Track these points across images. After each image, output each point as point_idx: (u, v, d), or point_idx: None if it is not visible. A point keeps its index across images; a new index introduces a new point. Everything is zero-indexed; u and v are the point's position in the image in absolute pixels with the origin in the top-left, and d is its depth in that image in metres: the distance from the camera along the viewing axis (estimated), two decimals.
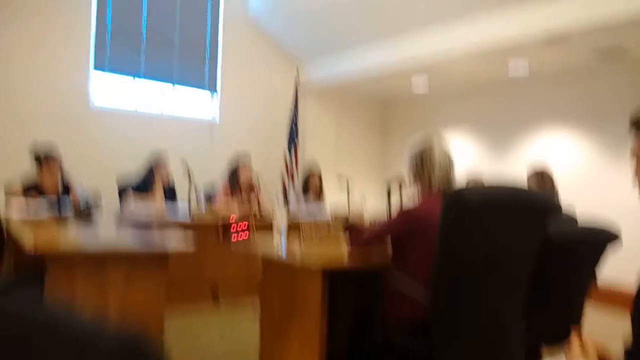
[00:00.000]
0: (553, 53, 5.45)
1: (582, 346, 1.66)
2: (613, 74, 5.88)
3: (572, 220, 2.90)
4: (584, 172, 6.03)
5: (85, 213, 4.23)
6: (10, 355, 0.41)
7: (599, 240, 2.50)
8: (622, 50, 5.26)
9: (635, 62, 5.57)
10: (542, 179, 3.64)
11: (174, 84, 7.28)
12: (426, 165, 2.60)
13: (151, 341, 0.47)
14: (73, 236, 3.07)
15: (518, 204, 2.28)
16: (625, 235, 2.52)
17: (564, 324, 2.54)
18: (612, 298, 5.17)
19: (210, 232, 4.92)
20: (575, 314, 2.58)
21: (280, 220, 3.12)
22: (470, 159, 7.03)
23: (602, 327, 2.43)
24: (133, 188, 5.34)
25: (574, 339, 1.69)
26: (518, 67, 6.21)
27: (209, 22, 7.54)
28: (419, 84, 7.50)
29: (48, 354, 0.42)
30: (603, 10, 4.46)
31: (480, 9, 5.37)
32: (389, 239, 2.68)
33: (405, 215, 2.54)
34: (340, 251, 2.88)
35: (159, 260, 2.81)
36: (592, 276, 2.61)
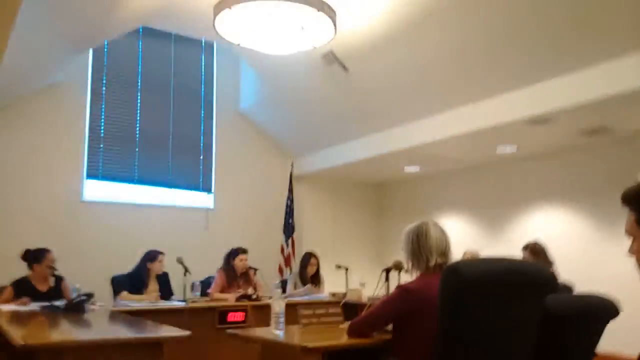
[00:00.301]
0: (540, 134, 5.60)
1: None
2: (600, 151, 6.01)
3: (569, 290, 2.87)
4: (578, 248, 6.01)
5: (76, 305, 4.15)
6: None
7: (599, 312, 2.47)
8: (606, 129, 5.41)
9: (621, 138, 5.71)
10: (535, 251, 3.63)
11: (169, 187, 7.29)
12: (422, 245, 2.62)
13: None
14: (64, 328, 3.00)
15: (516, 276, 2.28)
16: (623, 309, 2.48)
17: None
18: None
19: (206, 318, 4.81)
20: None
21: (277, 306, 3.06)
22: (465, 240, 7.01)
23: None
24: (127, 285, 5.20)
25: None
26: (506, 150, 6.35)
27: (202, 120, 7.67)
28: (412, 170, 7.65)
29: None
30: (585, 92, 4.61)
31: (465, 99, 5.56)
32: (387, 321, 2.64)
33: (402, 291, 2.52)
34: (339, 331, 2.82)
35: (152, 347, 2.72)
36: (592, 349, 2.55)
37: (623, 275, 5.11)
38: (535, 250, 3.65)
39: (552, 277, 2.34)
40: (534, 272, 2.35)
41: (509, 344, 2.23)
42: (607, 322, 2.43)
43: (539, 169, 6.69)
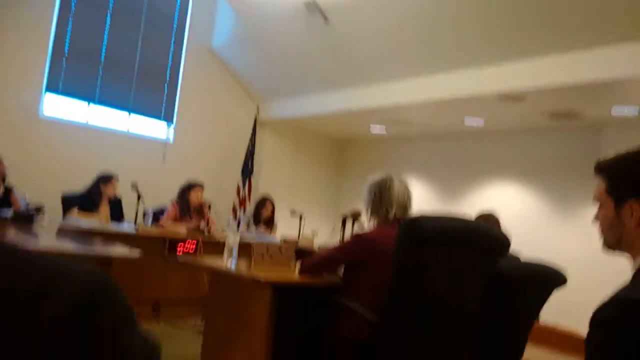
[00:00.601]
0: (508, 111, 5.68)
1: None
2: (564, 135, 6.16)
3: (517, 259, 2.96)
4: (530, 224, 6.21)
5: (25, 217, 4.06)
6: None
7: (547, 279, 2.56)
8: (573, 115, 5.53)
9: (585, 125, 5.86)
10: (488, 221, 3.71)
11: (129, 112, 7.09)
12: (384, 196, 2.62)
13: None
14: (10, 237, 2.92)
15: (474, 235, 2.32)
16: (569, 282, 2.58)
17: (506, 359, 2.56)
18: (548, 337, 5.29)
19: (156, 246, 4.78)
20: (517, 351, 2.60)
21: (232, 239, 3.06)
22: (420, 204, 7.15)
23: None
24: (78, 204, 5.11)
25: None
26: (474, 123, 6.44)
27: (171, 51, 7.43)
28: (377, 129, 7.67)
29: (18, 278, 0.39)
30: (559, 76, 4.68)
31: (441, 67, 5.56)
32: (339, 265, 2.67)
33: (358, 239, 2.54)
34: (290, 271, 2.85)
35: (101, 264, 2.69)
36: (536, 314, 2.66)
37: (570, 253, 5.37)
38: (489, 221, 3.73)
39: (507, 242, 2.40)
40: (491, 234, 2.40)
41: (458, 302, 2.29)
42: (553, 289, 2.53)
43: (502, 145, 6.82)
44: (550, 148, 6.32)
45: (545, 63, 4.75)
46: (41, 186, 5.44)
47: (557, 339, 5.33)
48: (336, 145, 9.16)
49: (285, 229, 6.56)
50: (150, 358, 0.44)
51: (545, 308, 2.64)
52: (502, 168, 6.79)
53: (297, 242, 4.29)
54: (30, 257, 0.42)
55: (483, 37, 4.93)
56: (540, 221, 6.25)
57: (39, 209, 4.22)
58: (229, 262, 2.87)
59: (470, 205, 6.78)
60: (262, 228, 6.19)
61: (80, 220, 4.76)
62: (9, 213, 4.18)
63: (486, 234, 2.42)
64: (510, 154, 6.74)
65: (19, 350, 0.35)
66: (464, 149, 7.26)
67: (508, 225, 4.88)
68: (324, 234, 6.05)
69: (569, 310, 4.65)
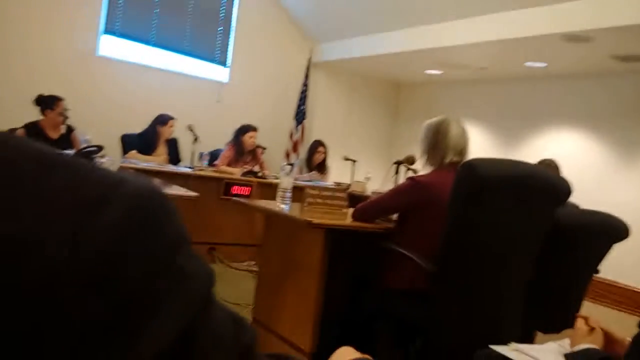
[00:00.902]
0: (572, 52, 5.38)
1: (588, 327, 1.63)
2: (631, 78, 5.82)
3: (577, 207, 2.86)
4: (592, 174, 5.97)
5: (85, 155, 4.18)
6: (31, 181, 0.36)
7: (609, 230, 2.46)
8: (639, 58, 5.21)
9: None
10: (549, 168, 3.59)
11: (185, 55, 7.10)
12: (441, 140, 2.55)
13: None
14: None
15: (532, 180, 2.24)
16: (633, 237, 2.48)
17: (562, 312, 2.51)
18: (607, 294, 5.17)
19: (212, 188, 4.88)
20: (574, 304, 2.55)
21: (285, 182, 3.07)
22: (477, 151, 6.99)
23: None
24: (136, 145, 5.24)
25: (579, 321, 1.66)
26: (535, 65, 6.15)
27: None
28: (433, 71, 7.46)
29: (72, 185, 0.37)
30: (628, 15, 4.38)
31: (502, 6, 5.29)
32: (393, 211, 2.64)
33: (413, 183, 2.49)
34: (343, 215, 2.85)
35: None
36: (595, 266, 2.58)
37: (635, 204, 5.16)
38: (550, 168, 3.61)
39: (568, 189, 2.31)
40: (550, 179, 2.31)
41: (513, 249, 2.24)
42: (614, 242, 2.44)
43: (565, 90, 6.51)
44: (617, 93, 5.98)
45: (612, 1, 4.44)
46: (100, 127, 5.58)
47: (616, 295, 5.19)
48: (391, 89, 8.98)
49: (338, 173, 6.55)
50: (207, 283, 0.42)
51: (606, 265, 2.55)
52: (564, 114, 6.49)
53: (349, 187, 4.27)
54: (88, 166, 0.40)
55: None
56: (604, 171, 6.00)
57: (99, 148, 4.34)
58: (282, 205, 2.89)
59: (530, 153, 6.55)
60: (315, 173, 6.21)
61: (138, 160, 4.89)
62: (70, 153, 4.32)
63: (547, 179, 2.33)
64: (573, 99, 6.42)
65: (73, 256, 0.34)
66: (524, 93, 6.97)
67: (569, 174, 4.74)
68: (377, 180, 6.00)
69: (630, 267, 4.50)
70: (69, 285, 0.33)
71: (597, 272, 2.57)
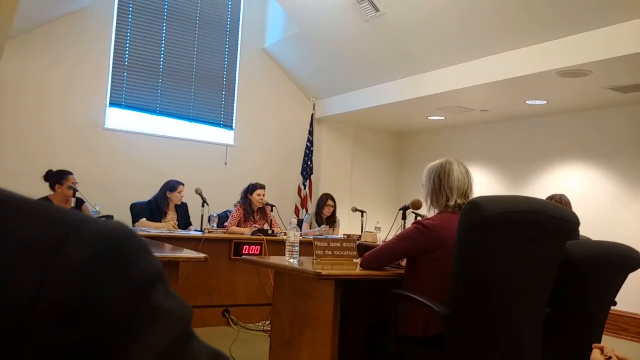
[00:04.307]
0: (571, 88, 5.44)
1: (605, 357, 1.59)
2: (632, 109, 5.84)
3: (588, 240, 2.83)
4: (602, 207, 5.92)
5: None
6: None
7: (622, 260, 2.42)
8: (638, 87, 5.24)
9: None
10: (561, 203, 3.56)
11: (190, 121, 7.26)
12: (444, 183, 2.54)
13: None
14: None
15: (538, 215, 2.22)
16: None
17: (580, 346, 2.44)
18: (628, 327, 5.01)
19: (223, 250, 4.90)
20: (592, 337, 2.48)
21: (292, 237, 3.07)
22: (486, 192, 6.96)
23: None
24: (146, 212, 5.29)
25: (595, 351, 1.62)
26: (536, 103, 6.21)
27: (226, 55, 7.56)
28: (435, 117, 7.54)
29: (24, 228, 0.38)
30: (622, 46, 4.45)
31: (499, 48, 5.40)
32: (402, 256, 2.62)
33: (420, 226, 2.48)
34: (353, 266, 2.83)
35: (168, 266, 2.76)
36: (611, 300, 2.52)
37: None
38: (561, 203, 3.58)
39: (577, 222, 2.28)
40: (558, 213, 2.28)
41: (525, 287, 2.20)
42: (629, 271, 2.39)
43: (568, 124, 6.53)
44: (619, 124, 6.00)
45: (605, 33, 4.51)
46: (109, 197, 5.67)
47: (637, 328, 5.04)
48: (395, 138, 9.06)
49: (348, 225, 6.54)
50: (183, 319, 0.42)
51: (625, 297, 2.50)
52: (569, 149, 6.50)
53: (359, 238, 4.26)
54: (52, 209, 0.40)
55: (549, 11, 4.72)
56: (613, 203, 5.95)
57: (109, 218, 4.38)
58: (291, 260, 2.88)
59: (537, 190, 6.53)
60: (325, 227, 6.19)
61: (149, 228, 4.93)
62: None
63: (553, 213, 2.30)
64: (576, 133, 6.44)
65: (39, 295, 0.34)
66: (527, 132, 7.00)
67: (578, 208, 4.69)
68: (387, 229, 5.99)
69: None
70: (38, 319, 0.34)
71: (614, 304, 2.51)
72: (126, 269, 0.38)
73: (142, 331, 0.38)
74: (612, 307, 2.55)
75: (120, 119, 6.75)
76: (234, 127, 7.58)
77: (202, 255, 2.86)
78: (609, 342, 2.51)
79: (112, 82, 6.67)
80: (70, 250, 0.36)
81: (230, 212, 5.74)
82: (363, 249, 3.26)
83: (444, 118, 7.49)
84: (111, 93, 6.67)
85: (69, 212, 0.40)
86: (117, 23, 6.69)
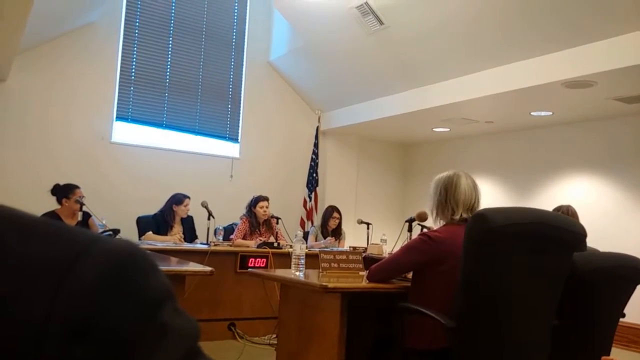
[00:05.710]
0: (576, 98, 5.44)
1: None
2: (637, 119, 5.83)
3: (595, 251, 2.81)
4: (609, 218, 5.90)
5: None
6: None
7: (629, 272, 2.41)
8: None
9: None
10: (568, 214, 3.55)
11: (196, 134, 7.29)
12: (450, 196, 2.52)
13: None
14: None
15: (544, 227, 2.21)
16: None
17: (588, 357, 2.42)
18: (637, 339, 4.96)
19: (229, 263, 4.90)
20: (600, 349, 2.46)
21: (298, 249, 3.07)
22: (491, 203, 6.95)
23: None
24: (152, 225, 5.30)
25: None
26: (541, 115, 6.21)
27: (231, 68, 7.59)
28: (440, 129, 7.55)
29: (37, 246, 0.39)
30: (627, 57, 4.45)
31: (503, 60, 5.41)
32: (407, 268, 2.61)
33: (426, 238, 2.46)
34: (359, 278, 2.82)
35: (174, 280, 2.76)
36: (619, 311, 2.50)
37: None
38: (568, 214, 3.57)
39: (583, 233, 2.27)
40: (565, 225, 2.27)
41: (532, 298, 2.19)
42: (638, 283, 2.38)
43: (573, 135, 6.52)
44: (624, 134, 5.99)
45: (610, 44, 4.52)
46: (116, 210, 5.68)
47: None
48: (400, 150, 9.07)
49: (353, 237, 6.53)
50: (192, 337, 0.42)
51: (634, 309, 2.48)
52: (574, 160, 6.48)
53: (364, 250, 4.25)
54: (64, 229, 0.41)
55: (553, 23, 4.74)
56: (618, 213, 5.92)
57: (116, 232, 4.40)
58: (296, 272, 2.88)
59: (543, 201, 6.51)
60: (330, 239, 6.19)
61: (155, 241, 4.94)
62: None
63: (559, 224, 2.29)
64: (582, 144, 6.43)
65: (51, 313, 0.35)
66: (533, 143, 7.00)
67: (584, 218, 4.67)
68: (393, 241, 5.98)
69: None
70: (50, 338, 0.34)
71: (623, 315, 2.49)
72: (136, 288, 0.39)
73: (150, 349, 0.38)
74: (621, 319, 2.53)
75: (126, 133, 6.79)
76: (239, 140, 7.61)
77: (208, 269, 2.87)
78: (618, 354, 2.49)
79: (119, 96, 6.72)
80: (81, 269, 0.37)
81: (236, 224, 5.74)
82: (369, 261, 3.24)
83: (448, 129, 7.50)
84: (118, 107, 6.71)
85: (79, 231, 0.40)
86: (123, 37, 6.75)
